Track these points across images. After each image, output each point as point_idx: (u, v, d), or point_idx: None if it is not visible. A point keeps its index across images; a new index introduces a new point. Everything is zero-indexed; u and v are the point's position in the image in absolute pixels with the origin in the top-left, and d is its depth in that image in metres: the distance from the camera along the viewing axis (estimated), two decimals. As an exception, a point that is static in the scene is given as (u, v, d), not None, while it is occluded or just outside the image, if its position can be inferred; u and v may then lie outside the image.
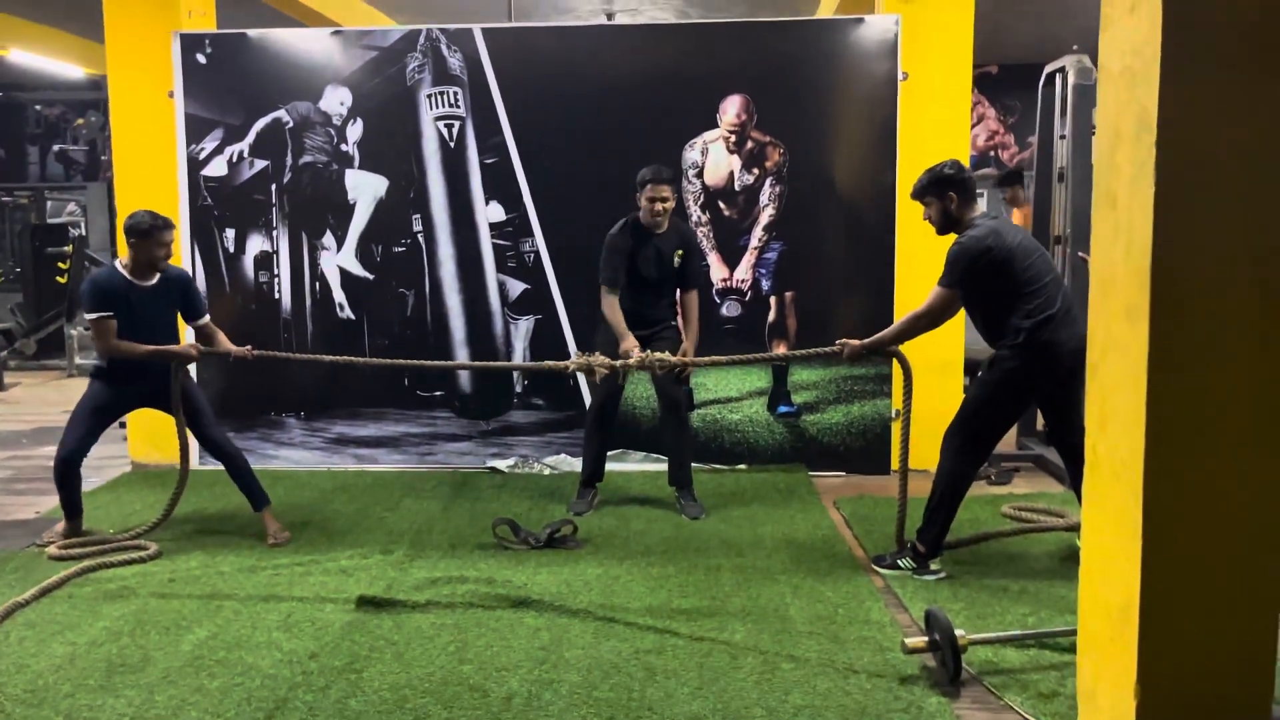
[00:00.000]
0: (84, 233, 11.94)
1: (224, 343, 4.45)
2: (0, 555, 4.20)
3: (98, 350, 4.28)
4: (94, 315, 4.18)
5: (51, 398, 8.41)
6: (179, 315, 4.48)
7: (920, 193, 3.84)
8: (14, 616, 3.49)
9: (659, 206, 4.59)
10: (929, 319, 3.80)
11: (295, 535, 4.39)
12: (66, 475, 4.27)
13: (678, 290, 4.86)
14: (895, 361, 3.98)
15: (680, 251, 4.73)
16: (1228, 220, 2.03)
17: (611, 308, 4.62)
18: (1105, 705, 2.32)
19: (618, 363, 4.13)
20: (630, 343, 4.48)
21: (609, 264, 4.65)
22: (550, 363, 4.33)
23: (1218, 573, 2.13)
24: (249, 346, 4.39)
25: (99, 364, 4.37)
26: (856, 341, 3.88)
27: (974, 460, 3.83)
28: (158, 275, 4.29)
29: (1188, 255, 2.04)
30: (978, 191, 4.00)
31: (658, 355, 4.12)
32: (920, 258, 5.41)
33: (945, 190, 3.76)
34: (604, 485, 5.15)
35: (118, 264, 4.30)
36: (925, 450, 5.00)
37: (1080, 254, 5.29)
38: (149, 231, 4.18)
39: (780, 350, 5.56)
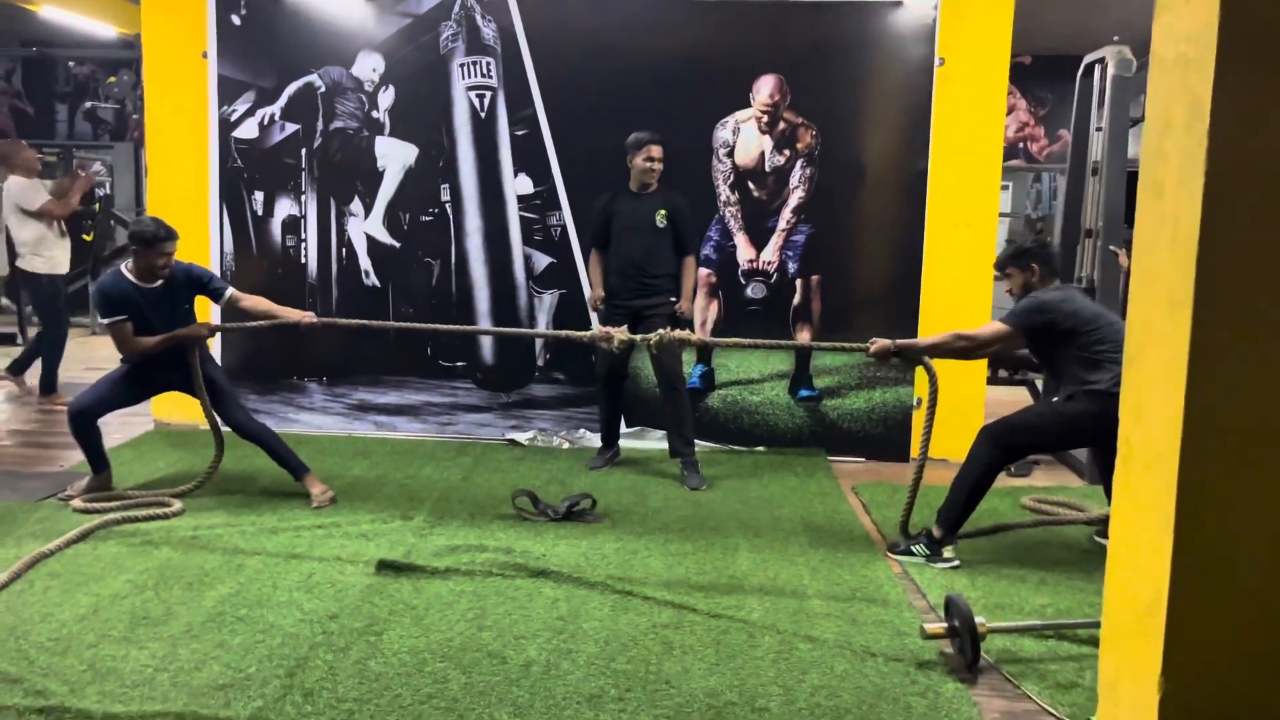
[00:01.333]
0: (110, 192, 12.00)
1: (279, 310, 4.41)
2: (25, 506, 4.25)
3: (121, 354, 4.31)
4: (108, 320, 4.24)
5: (77, 354, 8.46)
6: (199, 302, 4.50)
7: (1004, 264, 3.97)
8: (39, 566, 3.53)
9: (656, 166, 4.82)
10: (969, 342, 3.85)
11: (316, 498, 4.42)
12: (79, 427, 4.30)
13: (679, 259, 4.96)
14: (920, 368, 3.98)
15: (663, 211, 4.85)
16: (1277, 212, 2.00)
17: (590, 264, 5.14)
18: (1127, 698, 2.31)
19: (637, 337, 4.26)
20: (598, 293, 4.99)
21: (591, 225, 5.09)
22: (569, 332, 4.55)
23: (1249, 569, 2.11)
24: (311, 315, 4.38)
25: None
26: (889, 341, 3.89)
27: (1006, 461, 3.85)
28: (160, 280, 4.31)
29: (1235, 246, 2.01)
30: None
31: (678, 333, 4.19)
32: (948, 246, 5.39)
33: (1029, 262, 3.89)
34: (622, 462, 5.19)
35: (123, 268, 4.32)
36: (945, 439, 5.01)
37: (1111, 247, 5.24)
38: (151, 241, 4.18)
39: (804, 336, 5.54)
